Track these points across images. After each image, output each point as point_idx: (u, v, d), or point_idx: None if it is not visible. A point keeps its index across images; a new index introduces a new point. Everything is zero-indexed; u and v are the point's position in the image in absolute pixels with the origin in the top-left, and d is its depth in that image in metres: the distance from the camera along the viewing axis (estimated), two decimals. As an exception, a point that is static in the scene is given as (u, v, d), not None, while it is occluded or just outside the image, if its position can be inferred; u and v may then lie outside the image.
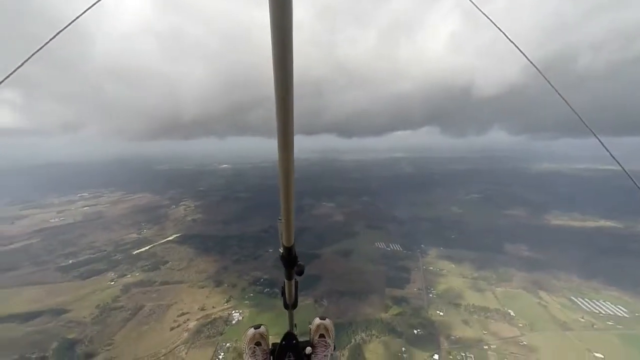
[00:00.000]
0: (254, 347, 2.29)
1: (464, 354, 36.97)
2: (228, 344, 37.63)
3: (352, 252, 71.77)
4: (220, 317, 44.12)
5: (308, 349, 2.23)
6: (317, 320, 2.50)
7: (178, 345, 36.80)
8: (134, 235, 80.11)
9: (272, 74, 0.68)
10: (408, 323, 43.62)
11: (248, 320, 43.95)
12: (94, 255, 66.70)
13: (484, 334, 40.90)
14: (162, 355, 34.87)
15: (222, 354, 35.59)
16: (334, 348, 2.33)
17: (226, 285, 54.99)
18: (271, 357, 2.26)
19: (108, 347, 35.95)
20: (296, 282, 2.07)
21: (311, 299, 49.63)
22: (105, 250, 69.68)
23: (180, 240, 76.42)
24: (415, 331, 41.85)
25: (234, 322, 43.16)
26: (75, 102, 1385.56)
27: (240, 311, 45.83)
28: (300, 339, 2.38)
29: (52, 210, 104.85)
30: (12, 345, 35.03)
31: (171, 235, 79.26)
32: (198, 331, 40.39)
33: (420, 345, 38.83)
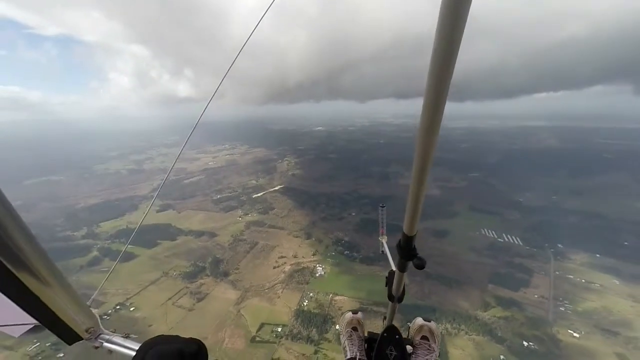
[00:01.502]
0: (351, 332, 2.35)
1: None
2: (311, 294, 45.39)
3: (447, 233, 63.47)
4: (307, 268, 52.73)
5: (408, 348, 2.16)
6: (420, 321, 2.34)
7: (276, 284, 47.91)
8: (254, 181, 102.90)
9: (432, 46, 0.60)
10: (516, 331, 37.28)
11: (329, 276, 50.45)
12: (230, 194, 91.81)
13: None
14: (266, 289, 46.78)
15: (306, 301, 43.56)
16: (439, 355, 2.19)
17: (314, 239, 63.51)
18: (365, 345, 2.27)
19: (236, 270, 51.79)
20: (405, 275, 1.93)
21: (381, 268, 49.71)
22: (237, 191, 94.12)
23: (283, 191, 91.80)
24: (525, 343, 35.67)
25: (317, 275, 50.69)
26: (221, 74, 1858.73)
27: (323, 266, 52.79)
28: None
29: (210, 156, 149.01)
30: (190, 253, 57.22)
31: (277, 186, 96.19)
32: (291, 275, 50.51)
33: (529, 362, 32.92)
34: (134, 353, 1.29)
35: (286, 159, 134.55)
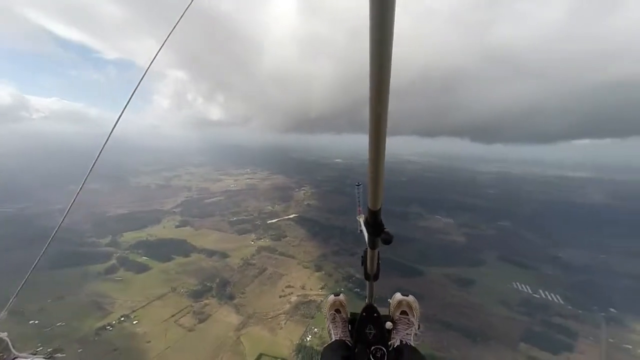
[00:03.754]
0: (334, 314, 2.38)
1: None
2: (316, 330, 42.65)
3: (472, 282, 58.92)
4: (314, 301, 50.32)
5: (388, 324, 2.15)
6: (399, 296, 2.37)
7: (280, 314, 45.94)
8: (270, 207, 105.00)
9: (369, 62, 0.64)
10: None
11: (336, 313, 47.56)
12: (246, 218, 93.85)
13: None
14: (270, 318, 44.93)
15: (309, 337, 40.87)
16: (418, 327, 2.20)
17: (324, 272, 61.40)
18: (349, 327, 2.29)
19: (242, 295, 50.81)
20: (378, 252, 1.94)
21: None
22: (252, 215, 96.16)
23: (297, 220, 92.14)
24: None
25: (324, 310, 48.04)
26: (249, 101, 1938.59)
27: (331, 303, 50.10)
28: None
29: (231, 179, 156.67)
30: (199, 272, 57.61)
31: (292, 214, 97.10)
32: (296, 307, 48.34)
33: None
34: None
35: (303, 188, 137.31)
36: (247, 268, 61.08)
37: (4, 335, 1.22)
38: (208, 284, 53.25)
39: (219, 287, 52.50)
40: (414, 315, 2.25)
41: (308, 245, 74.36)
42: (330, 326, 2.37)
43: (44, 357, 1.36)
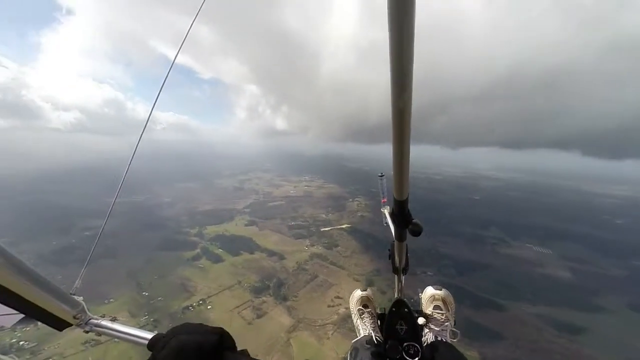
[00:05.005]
0: (362, 309, 2.27)
1: None
2: (361, 350, 41.80)
3: (583, 331, 47.24)
4: (363, 319, 49.32)
5: (421, 319, 2.00)
6: (431, 290, 2.20)
7: (328, 323, 46.96)
8: (323, 215, 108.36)
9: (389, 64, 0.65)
10: None
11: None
12: (302, 223, 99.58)
13: None
14: (318, 325, 46.53)
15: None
16: (455, 323, 2.03)
17: (375, 288, 59.27)
18: (379, 322, 2.17)
19: (294, 298, 54.32)
20: (406, 244, 1.92)
21: (475, 352, 40.73)
22: (308, 222, 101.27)
23: (349, 231, 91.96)
24: None
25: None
26: (308, 111, 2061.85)
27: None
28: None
29: (291, 185, 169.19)
30: (261, 270, 64.48)
31: (344, 224, 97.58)
32: (344, 319, 48.39)
33: None
34: (120, 335, 1.49)
35: (357, 199, 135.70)
36: (300, 272, 64.84)
37: (80, 299, 1.47)
38: (267, 282, 59.15)
39: (275, 287, 57.59)
40: (448, 310, 2.08)
41: (360, 258, 73.30)
42: (359, 322, 2.24)
43: (109, 319, 1.55)
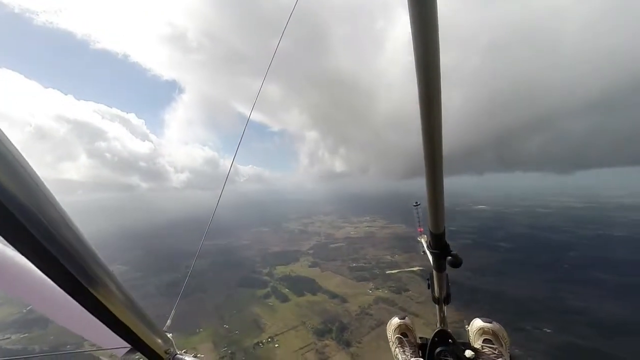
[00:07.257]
0: (401, 338, 2.17)
1: None
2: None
3: None
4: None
5: (469, 352, 1.82)
6: (479, 322, 2.00)
7: (397, 382, 41.33)
8: (389, 257, 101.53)
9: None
10: None
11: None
12: (364, 265, 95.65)
13: None
14: (385, 381, 41.55)
15: None
16: (510, 359, 1.87)
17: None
18: (420, 352, 2.06)
19: (358, 344, 50.82)
20: (447, 274, 1.87)
21: None
22: (371, 264, 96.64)
23: (422, 274, 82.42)
24: None
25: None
26: (366, 149, 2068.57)
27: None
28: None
29: (352, 226, 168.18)
30: (323, 312, 63.93)
31: (415, 267, 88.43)
32: (417, 380, 41.75)
33: None
34: None
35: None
36: (364, 317, 60.93)
37: (170, 335, 1.50)
38: (329, 325, 57.91)
39: (338, 330, 55.58)
40: (502, 345, 1.90)
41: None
42: (397, 350, 2.11)
43: (192, 356, 1.51)
